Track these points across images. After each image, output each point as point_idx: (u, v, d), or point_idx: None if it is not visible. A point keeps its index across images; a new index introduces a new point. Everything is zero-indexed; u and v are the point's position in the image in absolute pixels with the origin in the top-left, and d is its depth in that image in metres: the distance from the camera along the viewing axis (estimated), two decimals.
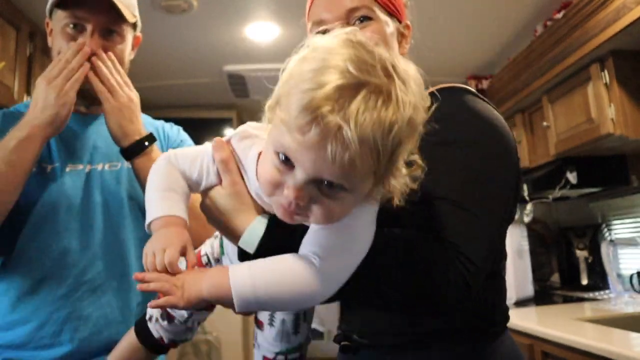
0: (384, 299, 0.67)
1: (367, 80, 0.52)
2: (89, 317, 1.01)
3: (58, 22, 1.06)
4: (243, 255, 0.65)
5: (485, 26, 2.63)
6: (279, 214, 0.60)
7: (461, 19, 2.53)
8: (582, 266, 2.70)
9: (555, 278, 2.96)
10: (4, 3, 1.97)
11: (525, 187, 2.45)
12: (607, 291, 2.49)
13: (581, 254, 2.71)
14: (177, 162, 0.70)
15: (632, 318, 1.92)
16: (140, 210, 1.09)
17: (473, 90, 0.80)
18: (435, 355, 0.74)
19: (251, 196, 0.67)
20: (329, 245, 0.60)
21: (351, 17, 0.83)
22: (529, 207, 2.55)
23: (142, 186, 1.07)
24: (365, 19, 0.83)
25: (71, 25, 1.04)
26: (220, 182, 0.68)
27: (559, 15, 2.15)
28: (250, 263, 0.61)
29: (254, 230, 0.65)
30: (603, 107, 1.97)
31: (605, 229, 2.63)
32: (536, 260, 2.87)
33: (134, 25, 1.15)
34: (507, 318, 0.82)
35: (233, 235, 0.67)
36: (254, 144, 0.66)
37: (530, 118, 2.65)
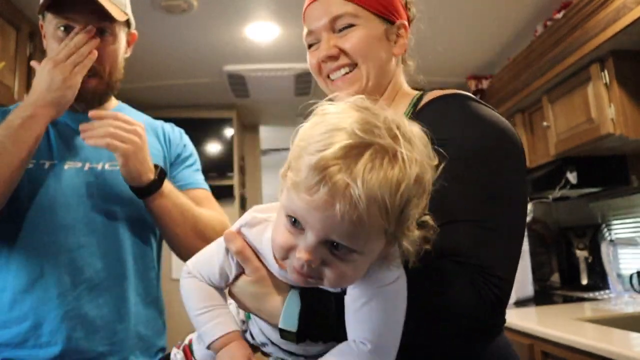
0: (417, 334, 0.66)
1: (372, 141, 0.54)
2: (86, 316, 1.00)
3: (49, 25, 1.06)
4: (285, 334, 0.66)
5: (485, 26, 2.63)
6: (293, 278, 0.61)
7: (461, 19, 2.53)
8: (582, 266, 2.70)
9: (555, 278, 2.96)
10: (4, 3, 1.97)
11: None
12: (607, 291, 2.49)
13: (581, 254, 2.71)
14: (200, 274, 0.72)
15: (632, 318, 1.92)
16: (138, 211, 1.09)
17: (472, 95, 0.80)
18: (434, 355, 0.74)
19: (274, 277, 0.68)
20: (374, 326, 0.61)
21: (335, 25, 0.84)
22: (529, 207, 2.55)
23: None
24: (349, 26, 0.84)
25: (62, 28, 1.04)
26: (242, 271, 0.70)
27: (559, 15, 2.15)
28: None
29: (289, 308, 0.65)
30: (603, 107, 1.97)
31: (605, 229, 2.63)
32: (536, 260, 2.87)
33: (127, 23, 1.14)
34: (504, 319, 0.82)
35: (269, 316, 0.68)
36: (266, 228, 0.67)
37: (530, 118, 2.65)
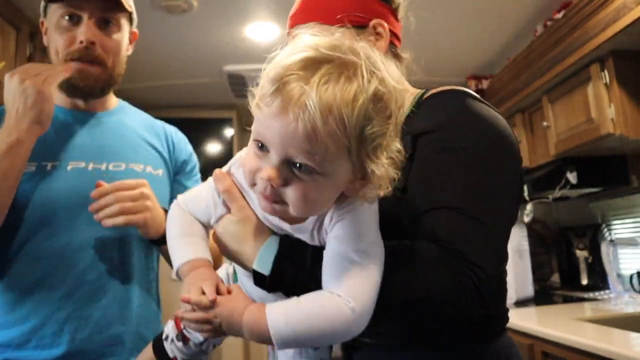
0: (392, 311, 0.66)
1: (333, 56, 0.55)
2: (90, 317, 1.00)
3: (53, 16, 1.05)
4: (258, 278, 0.65)
5: (485, 26, 2.63)
6: (261, 206, 0.62)
7: (461, 19, 2.53)
8: (582, 266, 2.70)
9: (555, 278, 2.96)
10: (4, 3, 1.97)
11: (525, 187, 2.46)
12: (607, 291, 2.50)
13: (581, 254, 2.71)
14: (188, 206, 0.73)
15: (632, 318, 1.92)
16: None
17: (473, 92, 0.79)
18: (437, 355, 0.74)
19: (259, 221, 0.68)
20: (351, 281, 0.59)
21: None
22: (529, 207, 2.55)
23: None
24: None
25: (66, 17, 1.03)
26: (229, 211, 0.70)
27: (559, 15, 2.15)
28: (286, 304, 0.61)
29: (266, 252, 0.65)
30: (603, 107, 1.97)
31: (605, 229, 2.63)
32: (536, 260, 2.86)
33: (129, 18, 1.13)
34: (507, 319, 0.82)
35: (247, 260, 0.67)
36: None
37: (530, 118, 2.65)
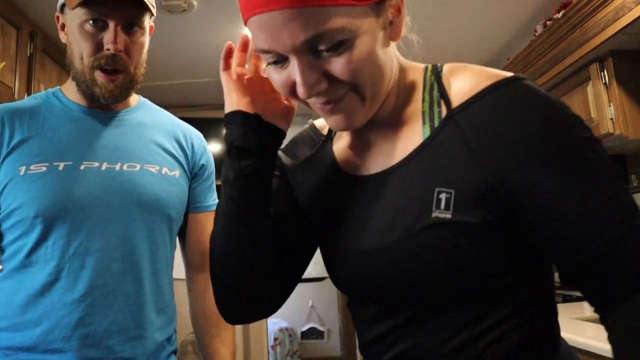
0: None
1: None
2: (101, 322, 0.97)
3: (75, 18, 1.00)
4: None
5: (485, 26, 2.63)
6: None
7: (461, 19, 2.53)
8: None
9: (555, 278, 2.96)
10: (4, 3, 1.97)
11: None
12: None
13: None
14: None
15: None
16: (155, 213, 1.05)
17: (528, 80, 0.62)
18: None
19: None
20: None
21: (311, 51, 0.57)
22: None
23: None
24: (336, 46, 0.55)
25: (91, 22, 0.99)
26: None
27: (559, 15, 2.15)
28: None
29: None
30: (602, 107, 1.97)
31: None
32: None
33: (150, 14, 1.09)
34: (559, 327, 0.76)
35: None
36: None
37: None
